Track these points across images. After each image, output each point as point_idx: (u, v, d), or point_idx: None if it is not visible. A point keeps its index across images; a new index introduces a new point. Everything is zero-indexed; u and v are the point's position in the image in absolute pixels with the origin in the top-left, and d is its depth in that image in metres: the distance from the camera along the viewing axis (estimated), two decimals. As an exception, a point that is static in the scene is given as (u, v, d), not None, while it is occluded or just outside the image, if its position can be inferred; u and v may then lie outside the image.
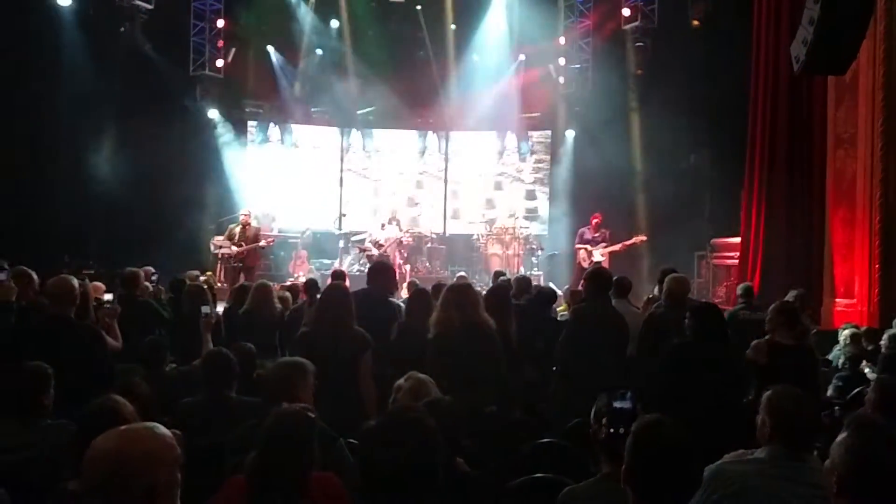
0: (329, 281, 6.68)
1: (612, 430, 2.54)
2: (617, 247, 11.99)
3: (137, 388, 3.55)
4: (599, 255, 11.82)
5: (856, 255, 8.93)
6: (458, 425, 2.86)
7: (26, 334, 4.25)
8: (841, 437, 2.29)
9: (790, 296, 6.77)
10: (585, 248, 11.97)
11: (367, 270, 5.88)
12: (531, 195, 15.66)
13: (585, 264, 11.71)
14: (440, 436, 2.28)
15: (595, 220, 12.13)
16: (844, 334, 6.61)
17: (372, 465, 2.23)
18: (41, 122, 11.95)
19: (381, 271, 5.60)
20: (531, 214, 15.38)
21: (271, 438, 2.58)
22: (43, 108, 11.90)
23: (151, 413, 3.24)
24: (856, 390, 5.30)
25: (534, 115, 15.59)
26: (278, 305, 6.39)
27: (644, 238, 11.93)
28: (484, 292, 5.42)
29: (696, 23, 12.71)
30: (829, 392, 5.92)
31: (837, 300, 9.13)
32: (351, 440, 3.34)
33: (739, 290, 7.36)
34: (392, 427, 2.25)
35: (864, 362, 6.14)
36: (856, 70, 8.27)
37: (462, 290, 4.71)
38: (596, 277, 5.23)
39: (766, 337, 4.93)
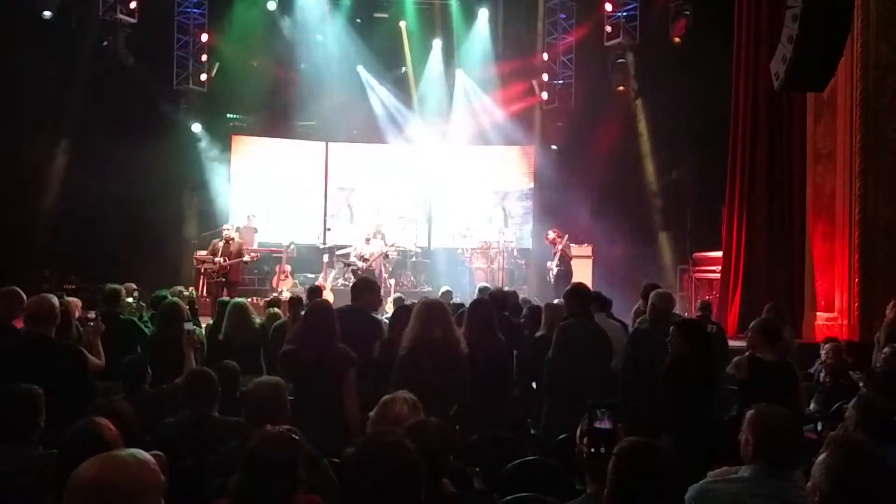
0: (306, 297, 6.65)
1: (593, 450, 2.54)
2: (557, 257, 12.17)
3: (120, 408, 3.52)
4: (555, 266, 12.04)
5: (836, 270, 9.01)
6: (445, 446, 2.85)
7: (4, 356, 4.18)
8: (821, 456, 2.31)
9: (765, 310, 6.85)
10: (547, 265, 12.37)
11: (351, 286, 5.84)
12: (515, 209, 15.68)
13: (550, 280, 11.99)
14: (421, 458, 2.28)
15: (549, 237, 12.36)
16: (826, 348, 6.64)
17: (354, 489, 2.22)
18: (23, 135, 11.87)
19: (366, 287, 5.57)
20: (515, 228, 15.39)
21: (255, 461, 2.55)
22: (25, 121, 11.82)
23: (134, 434, 3.20)
24: (837, 404, 5.33)
25: (517, 129, 15.65)
26: (258, 321, 6.34)
27: (567, 235, 12.27)
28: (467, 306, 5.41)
29: (677, 39, 12.84)
30: (811, 406, 5.95)
31: (818, 314, 9.20)
32: (335, 459, 3.33)
33: (699, 305, 7.59)
34: (372, 451, 2.25)
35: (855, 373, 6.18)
36: (834, 87, 8.36)
37: (432, 306, 4.68)
38: (576, 294, 5.23)
39: (747, 353, 4.99)
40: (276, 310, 7.02)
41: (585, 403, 2.66)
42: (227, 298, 7.41)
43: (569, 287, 5.53)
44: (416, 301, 6.24)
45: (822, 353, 6.68)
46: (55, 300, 4.37)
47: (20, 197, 11.83)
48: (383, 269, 12.54)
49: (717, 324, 7.48)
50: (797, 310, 9.49)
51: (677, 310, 7.24)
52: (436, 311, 4.56)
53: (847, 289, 8.79)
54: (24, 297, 4.58)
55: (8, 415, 3.14)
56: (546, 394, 5.06)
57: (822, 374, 6.38)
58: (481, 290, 7.95)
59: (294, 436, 2.68)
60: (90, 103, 12.35)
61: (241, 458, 2.57)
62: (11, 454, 3.05)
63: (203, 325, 7.11)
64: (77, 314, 6.31)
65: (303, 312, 5.03)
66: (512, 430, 4.58)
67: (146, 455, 1.95)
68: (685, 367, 4.42)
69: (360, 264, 12.28)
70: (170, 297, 6.57)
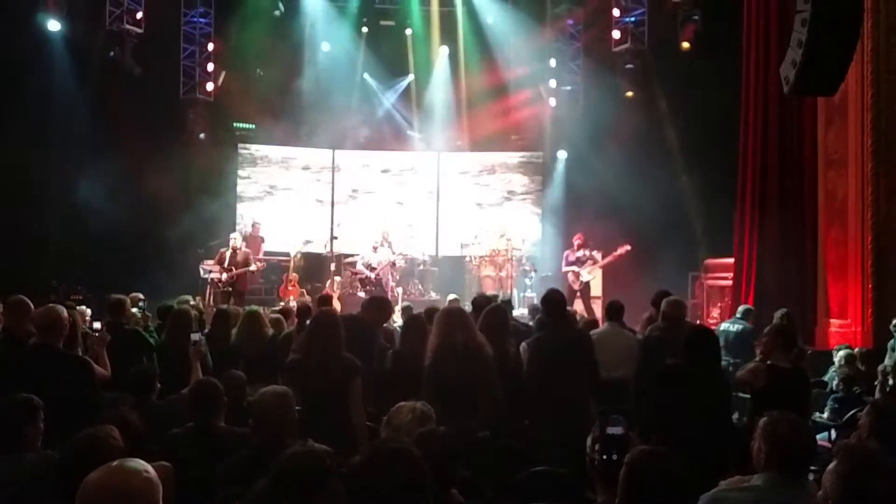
0: (315, 306, 6.61)
1: (604, 457, 2.51)
2: (603, 263, 11.97)
3: (127, 418, 3.49)
4: (587, 274, 11.82)
5: (849, 276, 8.94)
6: (453, 455, 2.80)
7: (12, 366, 4.17)
8: (832, 465, 2.27)
9: (777, 316, 6.80)
10: (573, 271, 11.96)
11: (365, 299, 5.82)
12: (523, 216, 15.64)
13: (576, 286, 11.73)
14: (427, 466, 2.24)
15: (577, 241, 12.14)
16: (839, 356, 6.59)
17: (360, 497, 2.19)
18: (31, 146, 11.92)
19: (380, 305, 5.55)
20: (523, 236, 15.32)
21: (285, 475, 2.40)
22: (32, 131, 11.87)
23: (141, 444, 3.18)
24: (851, 412, 5.27)
25: (525, 136, 15.63)
26: (270, 331, 6.30)
27: (628, 247, 11.87)
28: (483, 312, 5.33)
29: (685, 45, 12.79)
30: (825, 414, 5.89)
31: (832, 321, 9.12)
32: (341, 470, 3.29)
33: (740, 311, 7.67)
34: (378, 459, 2.22)
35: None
36: (845, 91, 8.30)
37: (456, 314, 4.67)
38: (547, 303, 5.11)
39: (758, 359, 4.93)
40: (280, 317, 6.93)
41: (566, 414, 2.61)
42: (224, 307, 7.34)
43: (541, 297, 5.37)
44: (423, 310, 6.23)
45: (836, 360, 6.62)
46: (63, 311, 4.36)
47: (27, 207, 11.86)
48: (391, 278, 12.50)
49: (750, 326, 7.57)
50: (810, 317, 9.41)
51: (689, 317, 7.21)
52: (456, 318, 4.56)
53: (860, 295, 8.72)
54: (32, 306, 4.57)
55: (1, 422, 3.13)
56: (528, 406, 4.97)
57: (835, 382, 6.32)
58: (481, 298, 7.69)
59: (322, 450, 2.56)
60: (97, 113, 12.39)
61: (271, 475, 2.45)
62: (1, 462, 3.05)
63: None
64: (84, 323, 6.30)
65: (308, 321, 5.00)
66: (520, 439, 4.52)
67: (147, 465, 2.02)
68: (681, 372, 4.37)
69: (368, 273, 12.25)
70: (176, 306, 6.56)
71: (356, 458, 2.26)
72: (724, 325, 7.83)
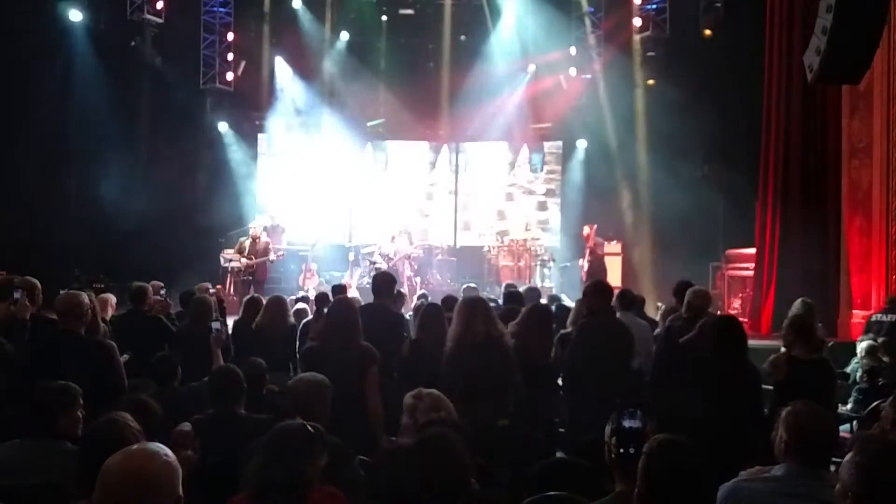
0: (331, 295, 6.62)
1: (622, 450, 2.49)
2: (588, 253, 11.96)
3: (146, 404, 3.52)
4: (586, 262, 11.83)
5: (873, 266, 8.84)
6: (455, 448, 2.80)
7: (37, 352, 4.22)
8: (849, 455, 2.23)
9: (796, 306, 6.70)
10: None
11: (371, 282, 5.83)
12: (542, 206, 15.60)
13: (583, 279, 11.81)
14: (469, 461, 2.27)
15: (584, 232, 12.14)
16: (861, 347, 6.50)
17: (397, 485, 2.22)
18: (53, 135, 12.04)
19: (385, 283, 5.56)
20: (543, 226, 15.31)
21: (271, 454, 2.58)
22: (55, 121, 11.98)
23: (162, 430, 3.21)
24: (874, 404, 5.22)
25: (545, 125, 15.55)
26: (292, 320, 6.33)
27: (594, 227, 11.97)
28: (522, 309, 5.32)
29: (707, 32, 12.66)
30: (848, 406, 5.84)
31: (854, 311, 9.03)
32: (361, 457, 3.31)
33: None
34: (423, 451, 2.24)
35: None
36: (870, 79, 8.19)
37: (478, 303, 4.67)
38: (595, 291, 5.15)
39: (783, 351, 4.88)
40: (305, 306, 6.97)
41: (611, 402, 2.60)
42: (257, 296, 7.38)
43: (589, 284, 5.42)
44: (439, 298, 6.23)
45: (858, 351, 6.54)
46: (84, 297, 4.40)
47: (49, 196, 11.98)
48: (408, 268, 12.50)
49: None
50: (833, 307, 9.31)
51: (711, 308, 7.14)
52: (478, 307, 4.54)
53: (884, 286, 8.63)
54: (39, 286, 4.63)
55: (34, 410, 3.15)
56: (568, 393, 4.99)
57: (858, 373, 6.25)
58: (509, 291, 7.64)
59: (311, 427, 2.68)
60: (118, 103, 12.48)
61: (259, 452, 2.59)
62: (37, 448, 3.06)
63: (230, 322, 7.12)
64: (110, 311, 6.37)
65: (326, 310, 5.02)
66: (540, 428, 4.52)
67: (166, 449, 2.06)
68: (709, 363, 4.35)
69: (385, 263, 12.27)
70: (197, 293, 6.61)
71: (401, 443, 2.32)
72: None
